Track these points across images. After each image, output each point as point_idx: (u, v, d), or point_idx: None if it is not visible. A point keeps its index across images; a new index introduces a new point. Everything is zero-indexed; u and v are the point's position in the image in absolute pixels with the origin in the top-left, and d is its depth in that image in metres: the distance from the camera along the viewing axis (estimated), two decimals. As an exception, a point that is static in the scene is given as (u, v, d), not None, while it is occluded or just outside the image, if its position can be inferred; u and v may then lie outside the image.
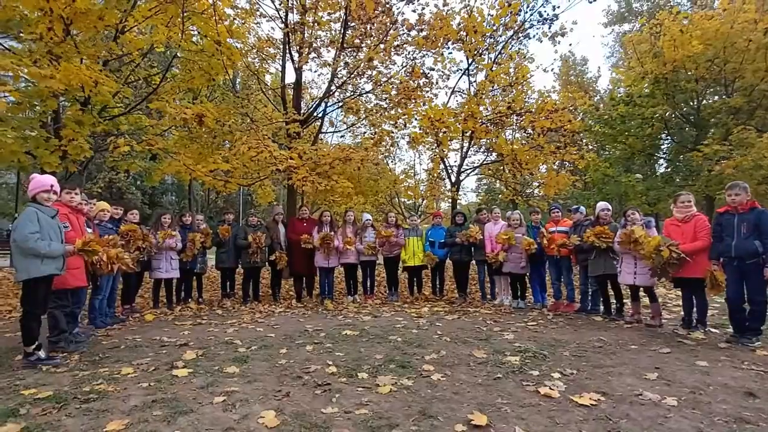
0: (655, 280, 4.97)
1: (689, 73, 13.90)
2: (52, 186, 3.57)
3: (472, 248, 6.86)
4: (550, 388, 2.81)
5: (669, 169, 16.44)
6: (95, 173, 19.49)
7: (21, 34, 6.56)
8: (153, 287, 6.43)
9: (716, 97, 15.05)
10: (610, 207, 5.85)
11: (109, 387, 2.89)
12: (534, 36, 11.14)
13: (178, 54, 8.35)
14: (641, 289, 5.26)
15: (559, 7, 14.66)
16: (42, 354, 3.52)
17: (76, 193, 4.08)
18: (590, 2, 10.23)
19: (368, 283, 7.28)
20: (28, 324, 3.48)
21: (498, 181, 18.05)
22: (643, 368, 3.29)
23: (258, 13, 10.23)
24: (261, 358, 3.61)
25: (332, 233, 6.72)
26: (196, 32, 8.03)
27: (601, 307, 5.71)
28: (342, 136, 17.32)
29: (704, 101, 14.83)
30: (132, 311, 5.88)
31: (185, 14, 6.66)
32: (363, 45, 9.93)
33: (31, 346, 3.48)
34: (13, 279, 9.76)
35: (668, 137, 16.17)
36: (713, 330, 4.66)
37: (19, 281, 3.42)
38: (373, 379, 3.05)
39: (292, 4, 9.37)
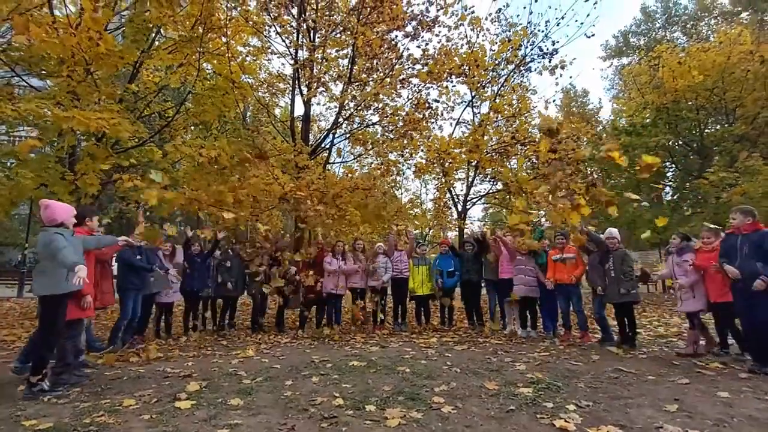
0: (703, 304, 4.83)
1: (690, 102, 14.13)
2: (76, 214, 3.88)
3: (483, 267, 6.80)
4: (566, 421, 2.70)
5: (676, 197, 16.40)
6: (106, 203, 19.78)
7: (43, 71, 6.87)
8: (156, 314, 6.40)
9: (718, 126, 15.20)
10: (616, 234, 5.67)
11: (110, 419, 2.82)
12: (535, 69, 11.46)
13: (192, 91, 8.67)
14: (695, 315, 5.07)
15: (558, 41, 15.12)
16: (45, 385, 3.47)
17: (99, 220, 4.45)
18: (588, 37, 10.54)
19: (377, 312, 7.18)
20: (41, 353, 3.46)
21: (504, 209, 18.03)
22: (662, 399, 3.16)
23: (269, 50, 10.68)
24: (266, 390, 3.52)
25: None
26: (210, 70, 8.39)
27: (616, 336, 5.56)
28: (349, 166, 17.56)
29: (707, 129, 14.97)
30: (141, 341, 5.80)
31: (201, 53, 6.98)
32: (370, 79, 10.25)
33: (37, 377, 3.44)
34: (30, 299, 9.78)
35: (673, 165, 16.23)
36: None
37: (41, 295, 3.47)
38: (382, 411, 2.95)
39: (302, 42, 9.78)
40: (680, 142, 15.36)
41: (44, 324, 3.49)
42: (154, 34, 7.38)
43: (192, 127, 10.37)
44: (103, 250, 4.53)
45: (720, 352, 4.89)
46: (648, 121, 14.77)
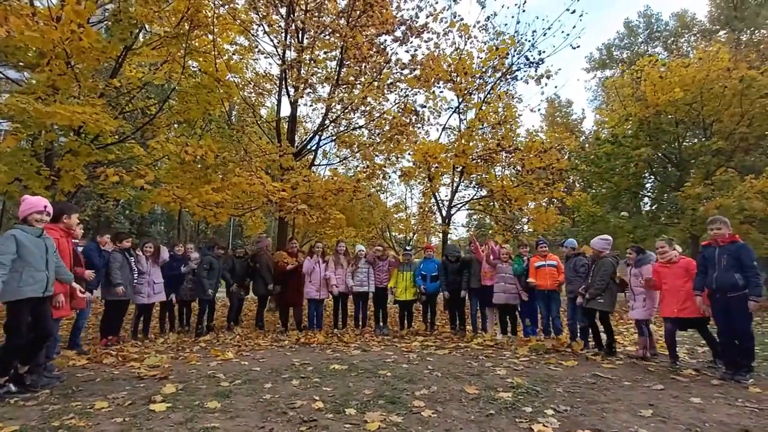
0: (651, 313, 5.05)
1: (670, 116, 14.55)
2: (45, 207, 3.49)
3: (465, 276, 6.85)
4: (544, 425, 2.72)
5: (654, 207, 16.84)
6: (84, 201, 19.23)
7: (20, 63, 6.66)
8: (135, 314, 6.23)
9: (696, 140, 15.67)
10: (597, 244, 5.54)
11: (80, 422, 2.73)
12: (521, 78, 11.62)
13: (176, 87, 8.52)
14: (644, 322, 5.24)
15: (544, 51, 15.41)
16: (13, 387, 3.33)
17: (77, 218, 4.13)
18: (573, 48, 10.77)
19: (360, 316, 7.16)
20: (6, 354, 3.31)
21: (488, 216, 18.24)
22: (637, 405, 3.22)
23: (257, 49, 10.59)
24: (244, 393, 3.46)
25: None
26: (195, 67, 8.26)
27: (592, 343, 5.65)
28: (335, 168, 17.53)
29: (685, 143, 15.44)
30: (116, 342, 5.63)
31: (186, 50, 6.87)
32: (357, 82, 10.26)
33: (3, 378, 3.30)
34: None
35: (652, 176, 16.66)
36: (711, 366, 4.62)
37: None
38: (362, 415, 2.93)
39: (290, 42, 9.73)
40: (660, 154, 15.78)
41: (7, 330, 3.33)
42: (138, 30, 7.22)
43: (176, 125, 10.18)
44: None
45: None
46: (630, 132, 15.13)
